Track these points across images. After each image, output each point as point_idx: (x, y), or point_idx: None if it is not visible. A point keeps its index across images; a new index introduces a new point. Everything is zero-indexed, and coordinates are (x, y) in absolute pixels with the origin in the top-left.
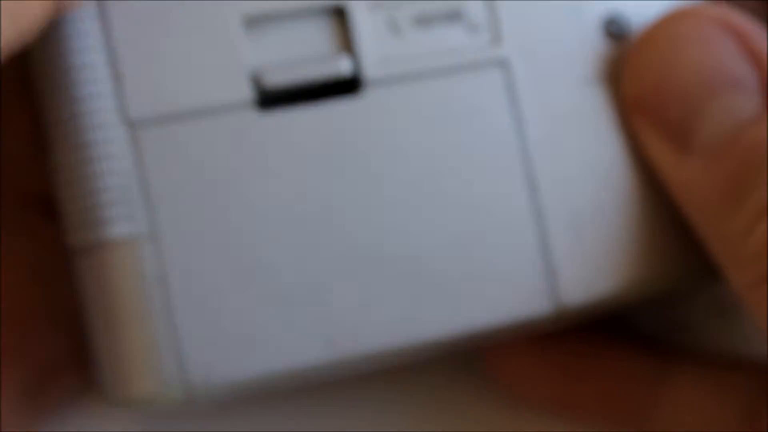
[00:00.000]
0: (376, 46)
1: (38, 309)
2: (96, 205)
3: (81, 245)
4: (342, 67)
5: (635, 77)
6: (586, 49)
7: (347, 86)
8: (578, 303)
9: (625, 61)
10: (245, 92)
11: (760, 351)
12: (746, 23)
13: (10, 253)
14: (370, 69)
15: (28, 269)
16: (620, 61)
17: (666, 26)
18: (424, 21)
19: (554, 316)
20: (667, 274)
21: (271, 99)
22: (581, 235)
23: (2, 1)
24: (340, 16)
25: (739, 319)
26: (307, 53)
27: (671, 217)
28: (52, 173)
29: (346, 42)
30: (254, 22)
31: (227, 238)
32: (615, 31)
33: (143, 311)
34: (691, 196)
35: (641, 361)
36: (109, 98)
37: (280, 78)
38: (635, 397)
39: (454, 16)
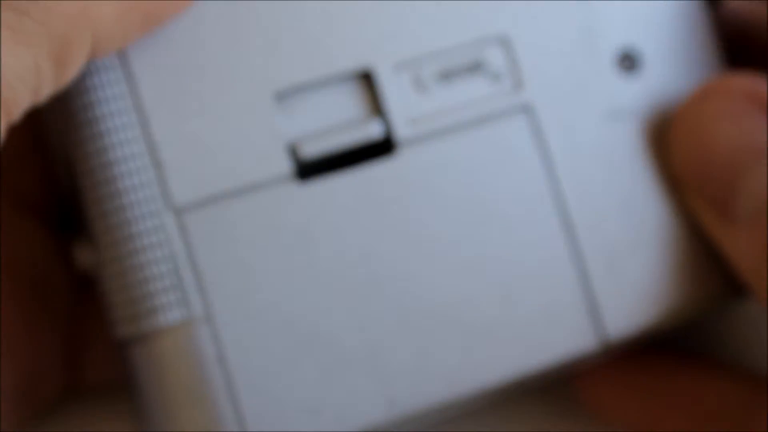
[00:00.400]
0: (404, 106)
1: (31, 315)
2: (148, 293)
3: (135, 335)
4: (374, 131)
5: (677, 154)
6: (604, 85)
7: (381, 148)
8: (622, 335)
9: (669, 137)
10: (284, 166)
11: None
12: None
13: (5, 259)
14: (401, 129)
15: (23, 275)
16: (639, 96)
17: (698, 104)
18: (447, 75)
19: (601, 350)
20: (704, 297)
21: (309, 169)
22: (619, 269)
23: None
24: (367, 80)
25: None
26: (339, 120)
27: (700, 243)
28: (98, 267)
29: (376, 105)
30: (285, 95)
31: (280, 311)
32: (629, 65)
33: (205, 394)
34: (739, 260)
35: (731, 385)
36: (152, 186)
37: (315, 148)
38: (730, 424)
39: (475, 67)
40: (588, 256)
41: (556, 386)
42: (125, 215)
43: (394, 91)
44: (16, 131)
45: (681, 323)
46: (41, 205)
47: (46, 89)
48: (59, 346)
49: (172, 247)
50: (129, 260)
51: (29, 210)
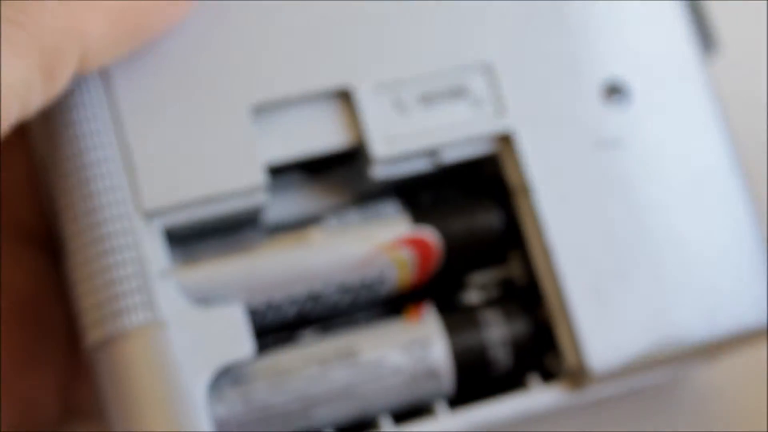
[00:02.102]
0: (382, 124)
1: (28, 342)
2: (115, 295)
3: (101, 339)
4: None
5: None
6: (590, 115)
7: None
8: None
9: None
10: (259, 178)
11: None
12: None
13: (4, 288)
14: (377, 146)
15: (20, 303)
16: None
17: None
18: (429, 99)
19: None
20: None
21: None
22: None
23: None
24: (346, 99)
25: None
26: (315, 136)
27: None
28: (67, 271)
29: (354, 124)
30: (263, 110)
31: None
32: (616, 96)
33: (170, 398)
34: None
35: None
36: (124, 190)
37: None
38: None
39: (457, 93)
40: (570, 285)
41: None
42: (96, 217)
43: (372, 110)
44: (14, 158)
45: None
46: (40, 233)
47: (34, 102)
48: (55, 373)
49: (140, 251)
50: (97, 262)
51: (27, 239)
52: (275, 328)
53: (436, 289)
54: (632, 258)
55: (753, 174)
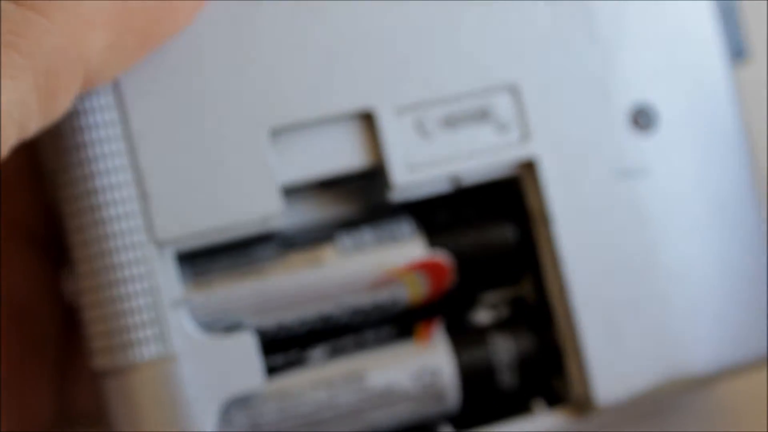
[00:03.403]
0: (404, 149)
1: (22, 344)
2: (125, 327)
3: (110, 367)
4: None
5: None
6: (615, 142)
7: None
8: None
9: None
10: (277, 206)
11: None
12: None
13: (5, 296)
14: (398, 174)
15: (14, 305)
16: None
17: None
18: (452, 122)
19: None
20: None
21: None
22: (615, 332)
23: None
24: (368, 122)
25: None
26: (333, 157)
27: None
28: (78, 294)
29: (375, 148)
30: (281, 133)
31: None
32: (643, 122)
33: (181, 429)
34: None
35: None
36: (137, 218)
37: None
38: None
39: (481, 116)
40: (584, 318)
41: None
42: (107, 245)
43: (394, 133)
44: (11, 159)
45: None
46: (36, 235)
47: (33, 124)
48: (49, 375)
49: (153, 281)
50: (108, 291)
51: (24, 240)
52: (284, 345)
53: (446, 306)
54: (643, 289)
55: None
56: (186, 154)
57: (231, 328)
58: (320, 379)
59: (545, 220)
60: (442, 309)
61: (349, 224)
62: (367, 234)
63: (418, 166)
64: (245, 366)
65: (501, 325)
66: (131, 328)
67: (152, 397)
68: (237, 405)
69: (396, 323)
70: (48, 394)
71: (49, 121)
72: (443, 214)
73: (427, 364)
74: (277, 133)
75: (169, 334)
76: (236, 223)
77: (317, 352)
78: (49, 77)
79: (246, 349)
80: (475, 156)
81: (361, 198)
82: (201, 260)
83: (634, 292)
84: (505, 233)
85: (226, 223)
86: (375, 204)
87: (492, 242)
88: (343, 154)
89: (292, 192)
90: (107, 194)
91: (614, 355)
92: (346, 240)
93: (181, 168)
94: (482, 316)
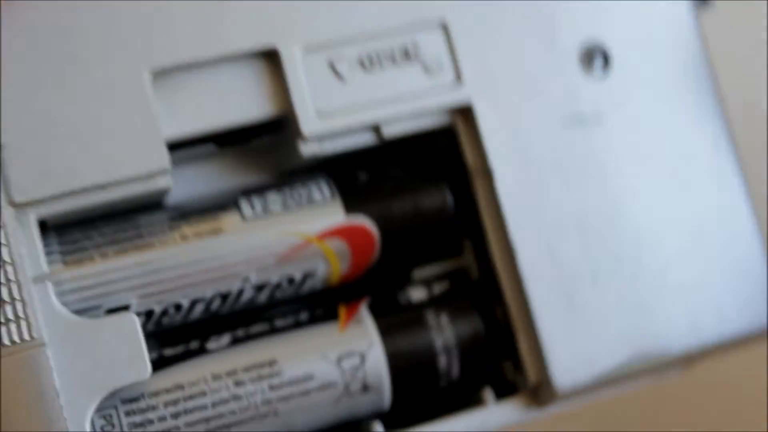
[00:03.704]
0: (315, 94)
1: None
2: None
3: None
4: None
5: None
6: (564, 85)
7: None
8: None
9: None
10: (162, 161)
11: None
12: None
13: None
14: (310, 123)
15: None
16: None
17: None
18: (371, 63)
19: None
20: None
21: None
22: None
23: None
24: (271, 61)
25: None
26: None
27: None
28: None
29: (280, 93)
30: (166, 76)
31: None
32: (595, 64)
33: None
34: None
35: None
36: None
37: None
38: None
39: (405, 56)
40: (536, 290)
41: None
42: None
43: (303, 75)
44: None
45: None
46: None
47: None
48: None
49: (12, 252)
50: None
51: None
52: (177, 334)
53: (373, 284)
54: (605, 254)
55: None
56: (51, 99)
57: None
58: (223, 369)
59: (485, 176)
60: (369, 287)
61: (254, 188)
62: (275, 198)
63: (332, 114)
64: (127, 354)
65: (439, 303)
66: None
67: (15, 386)
68: (121, 404)
69: (315, 305)
70: None
71: None
72: (364, 175)
73: (352, 349)
74: (161, 76)
75: (34, 315)
76: (112, 183)
77: (220, 341)
78: None
79: (128, 333)
80: (398, 102)
81: (271, 162)
82: (75, 232)
83: (594, 258)
84: (439, 194)
85: (100, 182)
86: (287, 168)
87: (424, 205)
88: (243, 101)
89: (187, 157)
90: None
91: (573, 333)
92: (249, 206)
93: (43, 115)
94: (416, 293)
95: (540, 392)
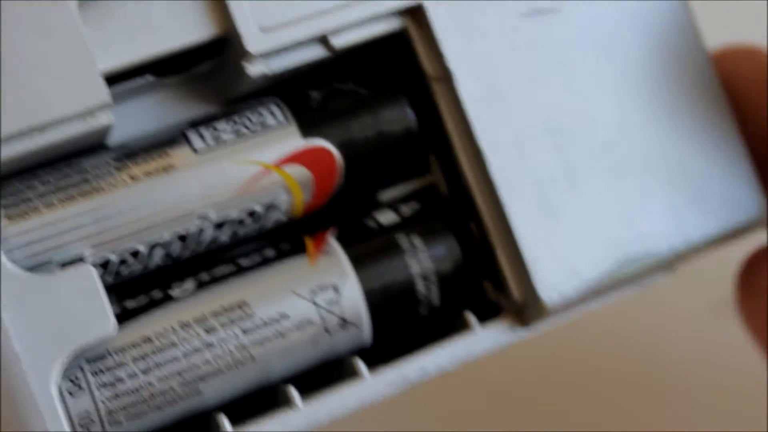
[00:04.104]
0: (256, 7)
1: None
2: None
3: None
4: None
5: None
6: None
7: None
8: None
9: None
10: (101, 94)
11: None
12: None
13: None
14: (252, 40)
15: None
16: None
17: None
18: None
19: None
20: None
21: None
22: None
23: None
24: None
25: None
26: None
27: None
28: None
29: (219, 9)
30: (97, 5)
31: None
32: None
33: (14, 396)
34: None
35: None
36: None
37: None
38: None
39: None
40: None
41: None
42: None
43: None
44: None
45: None
46: None
47: None
48: None
49: None
50: None
51: None
52: (137, 284)
53: (339, 211)
54: (582, 154)
55: None
56: None
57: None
58: (191, 316)
59: (445, 82)
60: (335, 216)
61: (202, 119)
62: (224, 127)
63: (277, 28)
64: (88, 309)
65: (410, 225)
66: None
67: None
68: (86, 363)
69: (280, 240)
70: None
71: None
72: (318, 93)
73: (325, 282)
74: (88, 2)
75: None
76: (49, 123)
77: (184, 286)
78: None
79: (86, 286)
80: (346, 9)
81: (216, 89)
82: (15, 183)
83: (569, 159)
84: (400, 108)
85: (35, 123)
86: (234, 95)
87: (384, 121)
88: (178, 24)
89: (125, 91)
90: None
91: (555, 242)
92: (200, 137)
93: None
94: (385, 217)
95: (526, 310)
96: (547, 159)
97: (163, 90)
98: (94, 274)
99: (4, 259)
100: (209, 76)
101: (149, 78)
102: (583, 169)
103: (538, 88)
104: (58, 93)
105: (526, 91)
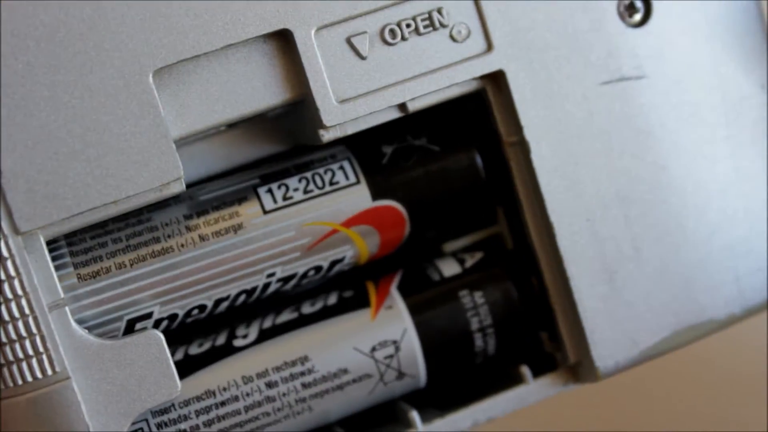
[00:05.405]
0: (334, 77)
1: None
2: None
3: None
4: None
5: None
6: (601, 41)
7: None
8: None
9: None
10: (175, 168)
11: None
12: None
13: None
14: (330, 111)
15: None
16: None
17: None
18: (393, 35)
19: None
20: None
21: None
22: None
23: None
24: (285, 41)
25: None
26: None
27: None
28: None
29: (294, 78)
30: (171, 71)
31: None
32: (634, 15)
33: None
34: None
35: None
36: None
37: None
38: None
39: (429, 24)
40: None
41: None
42: None
43: (319, 57)
44: None
45: None
46: None
47: None
48: None
49: (23, 283)
50: None
51: None
52: (203, 327)
53: (403, 257)
54: (650, 225)
55: None
56: (49, 116)
57: (130, 325)
58: (253, 370)
59: (519, 144)
60: (398, 264)
61: (272, 174)
62: (297, 185)
63: (355, 99)
64: (155, 373)
65: (472, 277)
66: (5, 349)
67: (42, 423)
68: (152, 413)
69: (342, 284)
70: None
71: None
72: (390, 148)
73: (386, 338)
74: (164, 73)
75: (55, 347)
76: (123, 199)
77: (247, 335)
78: None
79: (154, 352)
80: (426, 75)
81: (287, 133)
82: (87, 239)
83: (636, 230)
84: (469, 161)
85: (110, 200)
86: (303, 143)
87: (454, 177)
88: (256, 89)
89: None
90: None
91: (615, 311)
92: (269, 194)
93: (42, 133)
94: (448, 267)
95: (580, 370)
96: (614, 228)
97: (231, 130)
98: (162, 340)
99: (74, 327)
100: (280, 117)
101: (221, 127)
102: (649, 239)
103: (613, 156)
104: (134, 169)
105: (600, 160)
